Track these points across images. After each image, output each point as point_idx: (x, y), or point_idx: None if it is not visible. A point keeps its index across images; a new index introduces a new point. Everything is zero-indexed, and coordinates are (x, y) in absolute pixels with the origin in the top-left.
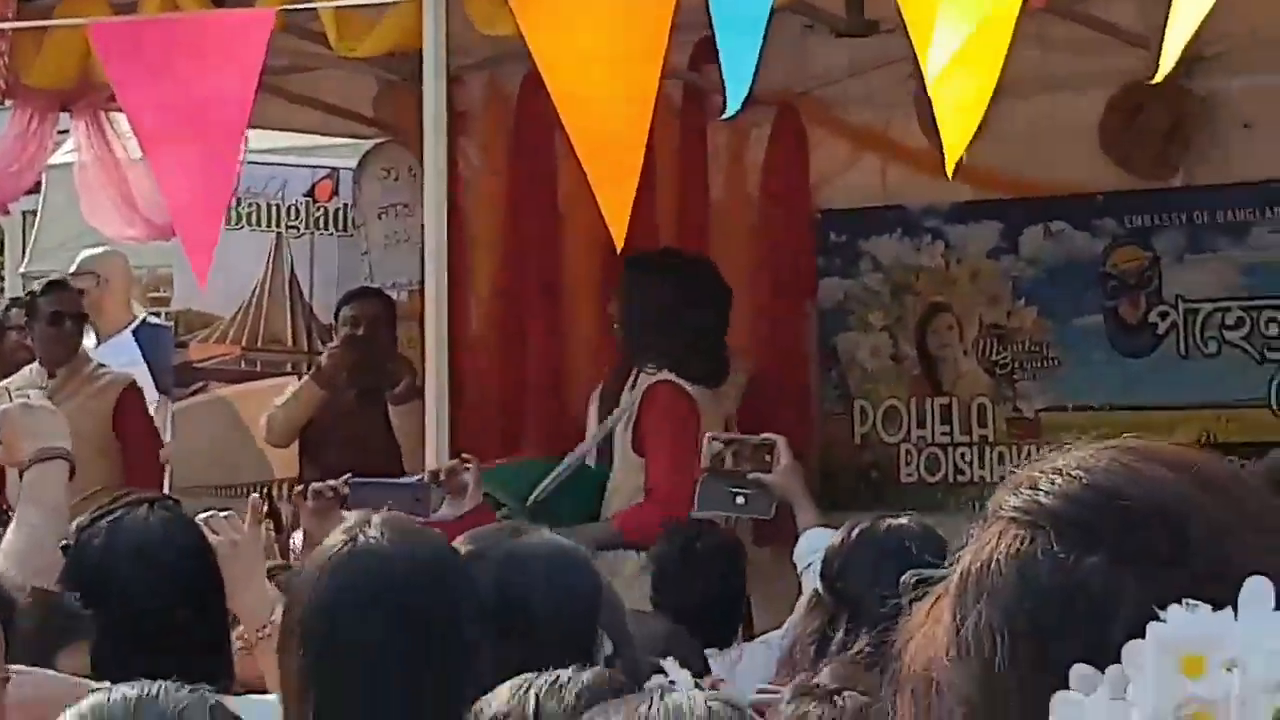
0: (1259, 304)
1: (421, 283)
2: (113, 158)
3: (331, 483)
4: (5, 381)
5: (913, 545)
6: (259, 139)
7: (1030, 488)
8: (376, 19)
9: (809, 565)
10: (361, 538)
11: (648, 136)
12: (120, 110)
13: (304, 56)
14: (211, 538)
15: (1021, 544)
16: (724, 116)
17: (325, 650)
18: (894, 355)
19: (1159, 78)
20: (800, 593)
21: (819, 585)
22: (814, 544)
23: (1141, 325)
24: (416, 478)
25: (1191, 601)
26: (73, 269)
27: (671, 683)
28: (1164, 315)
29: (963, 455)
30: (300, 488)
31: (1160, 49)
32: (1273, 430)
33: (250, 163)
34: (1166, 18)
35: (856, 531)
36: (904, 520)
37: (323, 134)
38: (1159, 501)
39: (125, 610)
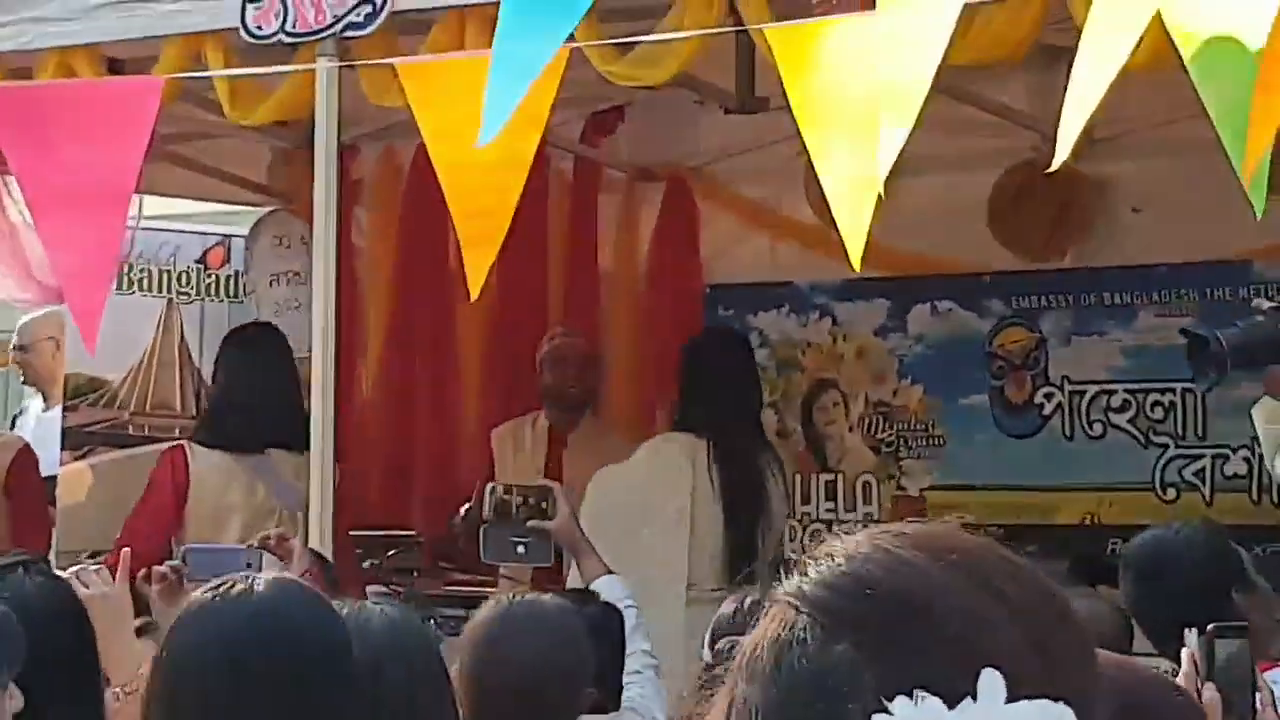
0: (1145, 386)
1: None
2: (7, 221)
3: (171, 563)
4: None
5: None
6: (152, 205)
7: (800, 572)
8: (270, 88)
9: None
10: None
11: (540, 206)
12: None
13: (199, 124)
14: (81, 591)
15: (782, 629)
16: (476, 145)
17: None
18: (780, 430)
19: (1055, 165)
20: None
21: (708, 655)
22: (608, 594)
23: (1027, 405)
24: (248, 544)
25: (923, 693)
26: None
27: None
28: (1049, 396)
29: (848, 532)
30: (144, 572)
31: (1050, 132)
32: (1156, 513)
33: (143, 228)
34: (1060, 100)
35: (749, 603)
36: None
37: (216, 201)
38: (909, 589)
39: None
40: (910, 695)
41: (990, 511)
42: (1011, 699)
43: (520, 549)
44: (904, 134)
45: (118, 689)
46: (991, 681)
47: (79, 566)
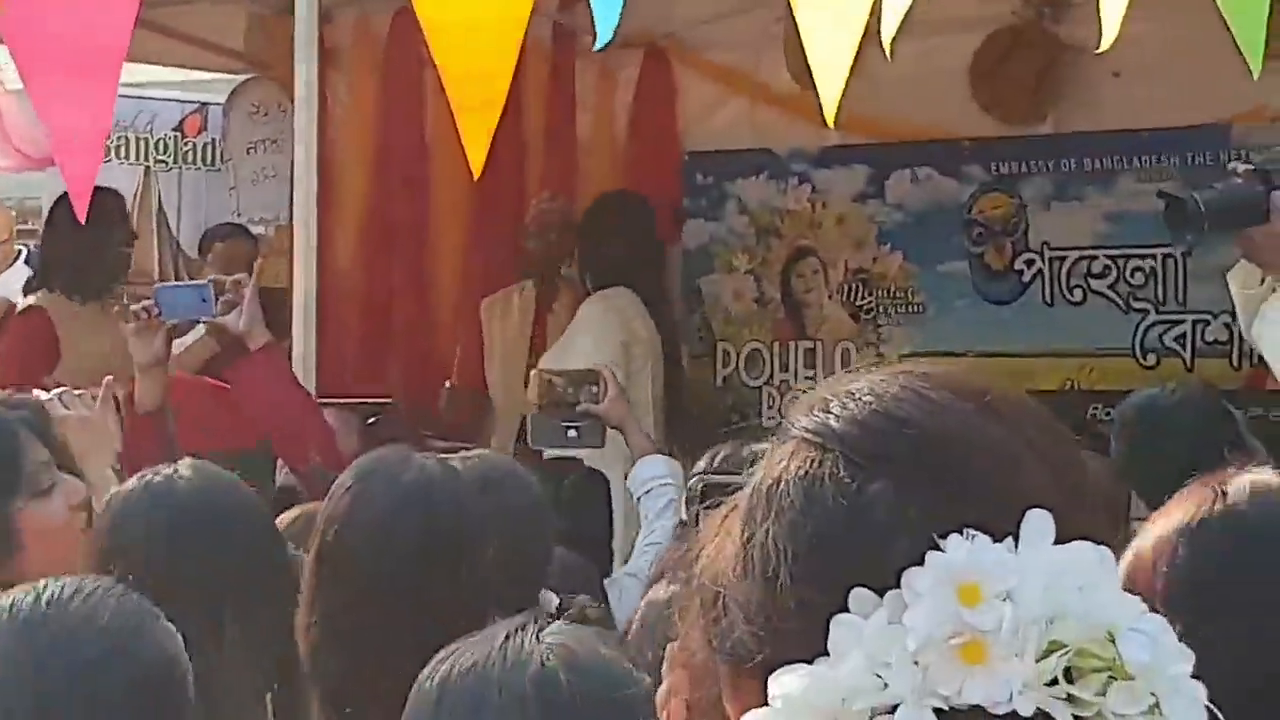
0: (1125, 252)
1: (290, 218)
2: None
3: (145, 303)
4: None
5: None
6: (129, 72)
7: (823, 409)
8: None
9: (647, 491)
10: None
11: (518, 73)
12: None
13: None
14: (60, 411)
15: (810, 465)
16: (595, 48)
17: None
18: (758, 298)
19: (1104, 45)
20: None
21: (684, 513)
22: (649, 471)
23: (1007, 272)
24: (205, 281)
25: (972, 531)
26: None
27: (551, 617)
28: (1030, 263)
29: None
30: (117, 308)
31: None
32: (1136, 379)
33: (121, 95)
34: None
35: (720, 457)
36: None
37: (192, 68)
38: (946, 430)
39: None
40: (961, 533)
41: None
42: (1055, 541)
43: (571, 433)
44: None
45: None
46: (1038, 521)
47: (62, 389)
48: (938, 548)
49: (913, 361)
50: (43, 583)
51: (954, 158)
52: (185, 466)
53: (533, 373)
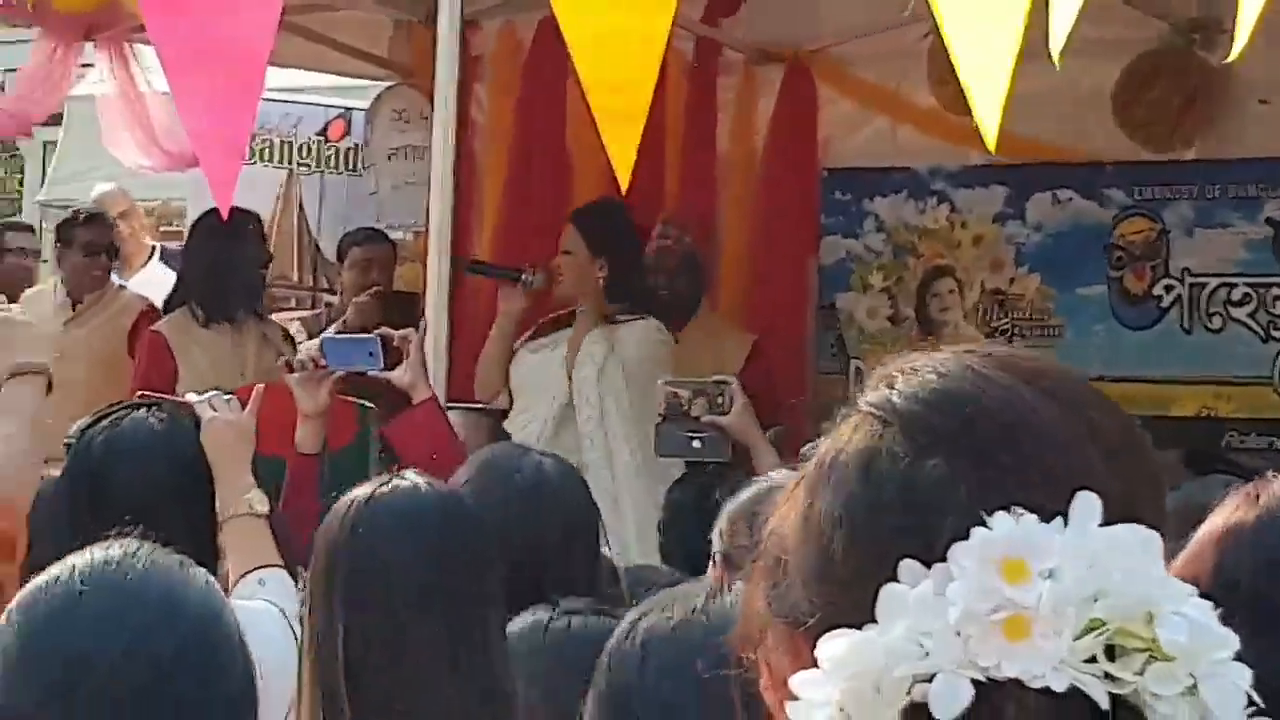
0: (1266, 281)
1: (427, 224)
2: (134, 89)
3: (311, 353)
4: (24, 297)
5: None
6: (274, 76)
7: (887, 385)
8: None
9: None
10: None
11: (659, 86)
12: (143, 43)
13: None
14: (207, 413)
15: (870, 438)
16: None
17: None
18: (892, 317)
19: (1233, 55)
20: None
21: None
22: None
23: (1146, 297)
24: (373, 335)
25: (1020, 510)
26: (90, 208)
27: None
28: (1169, 288)
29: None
30: (281, 361)
31: (1179, 21)
32: (1273, 407)
33: (265, 100)
34: None
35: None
36: None
37: (337, 74)
38: (1001, 409)
39: (122, 507)
40: (1008, 511)
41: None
42: (1104, 522)
43: (696, 443)
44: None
45: (221, 515)
46: (1087, 502)
47: (212, 393)
48: (985, 524)
49: (983, 344)
50: (78, 557)
51: (1096, 181)
52: (413, 475)
53: (659, 384)
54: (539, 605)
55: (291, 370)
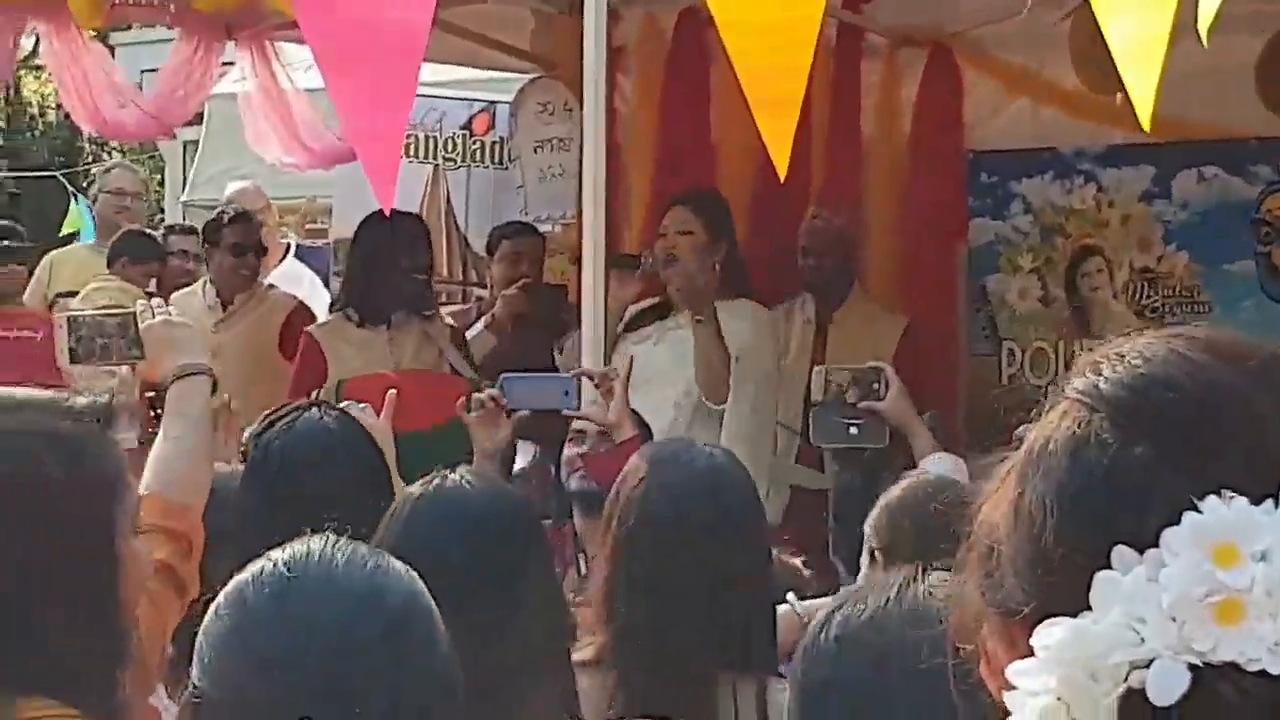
0: None
1: (576, 216)
2: (276, 87)
3: (490, 391)
4: (174, 298)
5: None
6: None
7: (1094, 371)
8: None
9: None
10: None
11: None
12: (285, 40)
13: None
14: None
15: (1078, 426)
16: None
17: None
18: (1043, 297)
19: None
20: None
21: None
22: (936, 469)
23: None
24: (569, 374)
25: (1229, 494)
26: (229, 207)
27: None
28: None
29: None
30: (461, 399)
31: None
32: None
33: None
34: None
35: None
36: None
37: (480, 67)
38: (1209, 393)
39: (308, 506)
40: (1218, 495)
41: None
42: None
43: (853, 430)
44: None
45: None
46: None
47: (346, 403)
48: (1195, 509)
49: (1186, 327)
50: (280, 552)
51: (1241, 157)
52: (468, 472)
53: (815, 369)
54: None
55: (469, 411)
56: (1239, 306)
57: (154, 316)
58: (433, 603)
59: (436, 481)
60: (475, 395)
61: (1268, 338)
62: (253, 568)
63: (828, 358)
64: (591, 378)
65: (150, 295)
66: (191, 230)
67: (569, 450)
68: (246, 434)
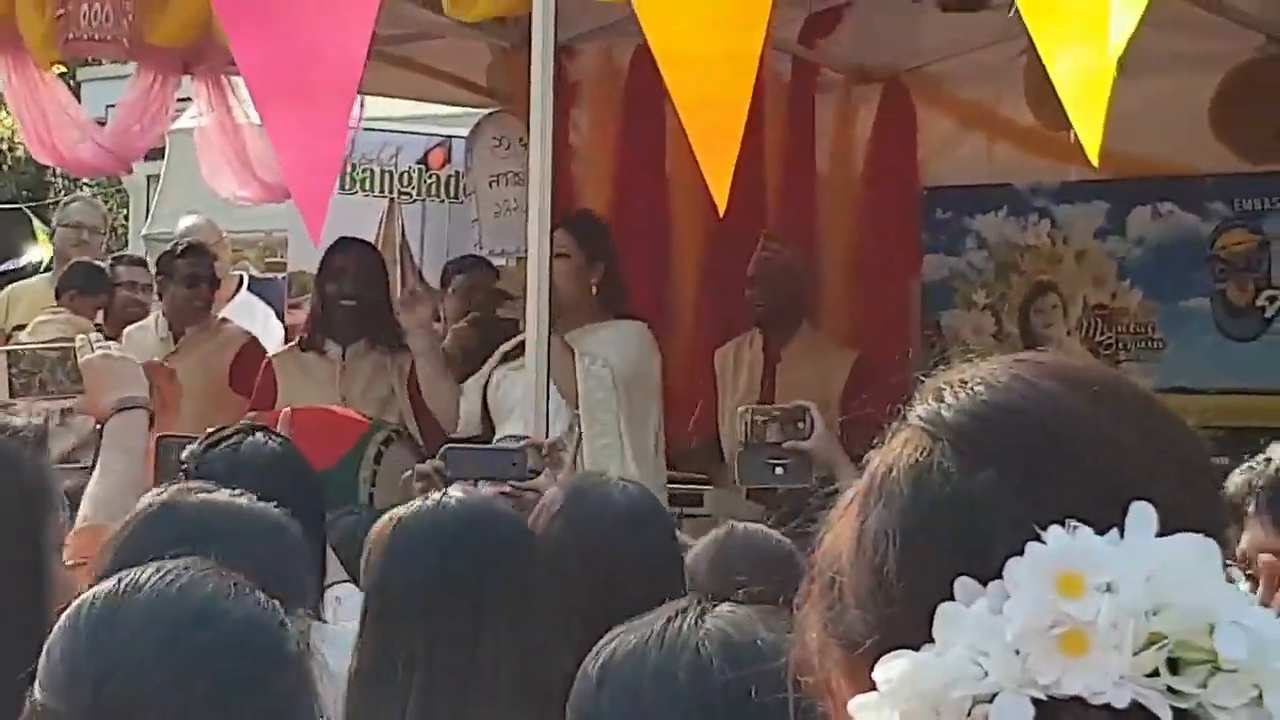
0: None
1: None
2: (231, 120)
3: (433, 463)
4: (126, 333)
5: None
6: (374, 106)
7: (937, 398)
8: None
9: None
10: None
11: (756, 107)
12: (238, 74)
13: (419, 24)
14: None
15: (920, 453)
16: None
17: (388, 596)
18: (996, 334)
19: None
20: None
21: None
22: None
23: (1249, 309)
24: (515, 445)
25: (1075, 523)
26: (182, 239)
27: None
28: (1272, 299)
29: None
30: (407, 474)
31: (1271, 31)
32: None
33: (365, 129)
34: None
35: None
36: None
37: (436, 102)
38: (1053, 420)
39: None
40: (1063, 525)
41: (1212, 415)
42: (1161, 532)
43: (779, 470)
44: (1133, 23)
45: None
46: (1142, 513)
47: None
48: (1039, 538)
49: (1030, 352)
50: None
51: (1196, 194)
52: (456, 490)
53: (739, 409)
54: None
55: (416, 482)
56: (1195, 343)
57: (93, 350)
58: (297, 642)
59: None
60: (419, 466)
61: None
62: (101, 585)
63: (777, 394)
64: (539, 448)
65: (98, 327)
66: (139, 261)
67: None
68: (187, 451)
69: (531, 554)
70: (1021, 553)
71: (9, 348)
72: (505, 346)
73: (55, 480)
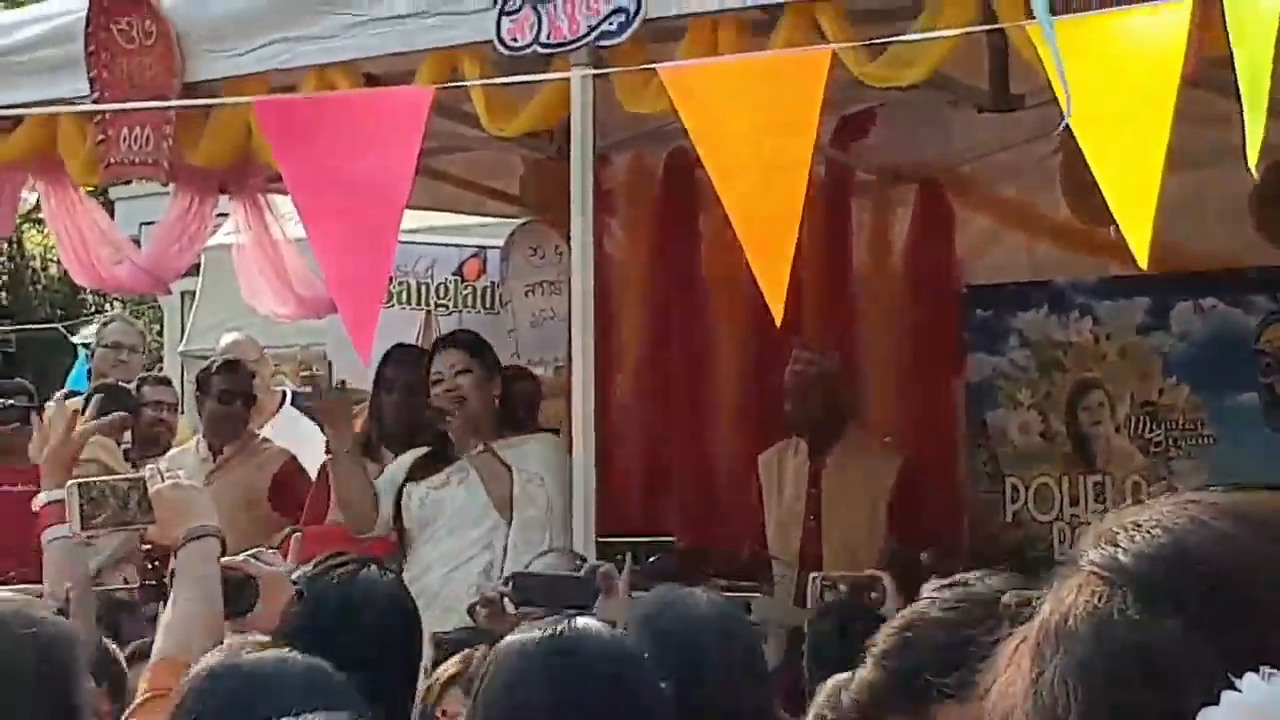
0: None
1: (569, 358)
2: (269, 238)
3: (500, 588)
4: (169, 456)
5: None
6: (408, 218)
7: (1110, 543)
8: (526, 99)
9: None
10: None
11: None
12: (276, 192)
13: (453, 137)
14: (263, 569)
15: (1099, 600)
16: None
17: None
18: (1044, 432)
19: None
20: None
21: None
22: None
23: None
24: (581, 571)
25: (1268, 669)
26: (224, 356)
27: None
28: None
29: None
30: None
31: None
32: None
33: (401, 242)
34: None
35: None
36: None
37: (469, 213)
38: (1236, 563)
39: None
40: (1257, 671)
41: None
42: None
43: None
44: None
45: None
46: None
47: (256, 549)
48: (1234, 686)
49: (1202, 491)
50: None
51: (1239, 287)
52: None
53: (811, 576)
54: None
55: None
56: (1244, 440)
57: (163, 480)
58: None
59: None
60: (485, 592)
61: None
62: None
63: (824, 500)
64: (595, 573)
65: (125, 447)
66: (165, 381)
67: None
68: (297, 573)
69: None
70: (1215, 701)
71: (80, 479)
72: (407, 460)
73: (82, 649)
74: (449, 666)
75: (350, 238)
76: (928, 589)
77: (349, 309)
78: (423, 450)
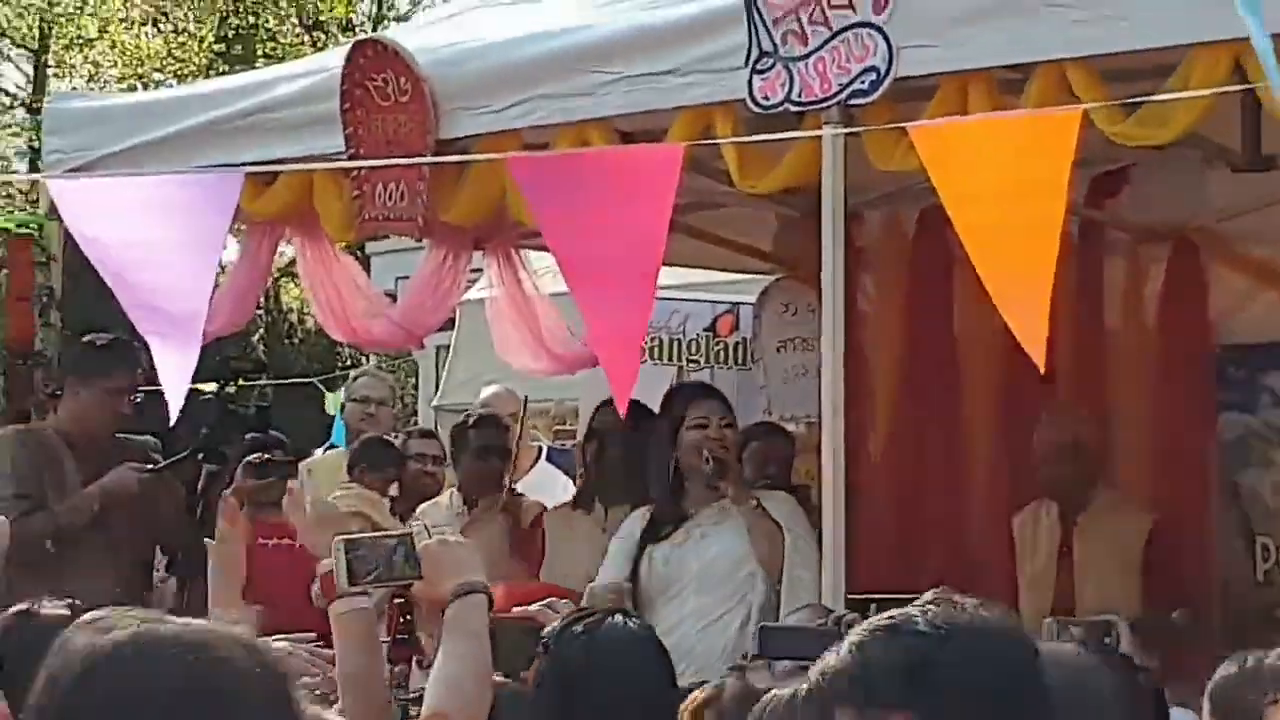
0: None
1: (820, 415)
2: (522, 293)
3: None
4: (420, 509)
5: None
6: (662, 274)
7: None
8: (778, 156)
9: None
10: None
11: None
12: (530, 248)
13: (706, 194)
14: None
15: None
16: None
17: None
18: None
19: None
20: None
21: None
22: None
23: None
24: (819, 623)
25: None
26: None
27: None
28: None
29: None
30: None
31: None
32: None
33: (656, 298)
34: None
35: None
36: None
37: (722, 269)
38: None
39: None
40: None
41: None
42: None
43: None
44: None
45: None
46: None
47: (548, 600)
48: None
49: None
50: None
51: None
52: None
53: (1046, 621)
54: None
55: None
56: None
57: (430, 536)
58: None
59: None
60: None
61: None
62: None
63: (1076, 561)
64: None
65: (392, 500)
66: (430, 434)
67: None
68: (548, 629)
69: None
70: None
71: (347, 536)
72: (639, 518)
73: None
74: (701, 692)
75: (609, 291)
76: None
77: (611, 362)
78: (646, 508)
